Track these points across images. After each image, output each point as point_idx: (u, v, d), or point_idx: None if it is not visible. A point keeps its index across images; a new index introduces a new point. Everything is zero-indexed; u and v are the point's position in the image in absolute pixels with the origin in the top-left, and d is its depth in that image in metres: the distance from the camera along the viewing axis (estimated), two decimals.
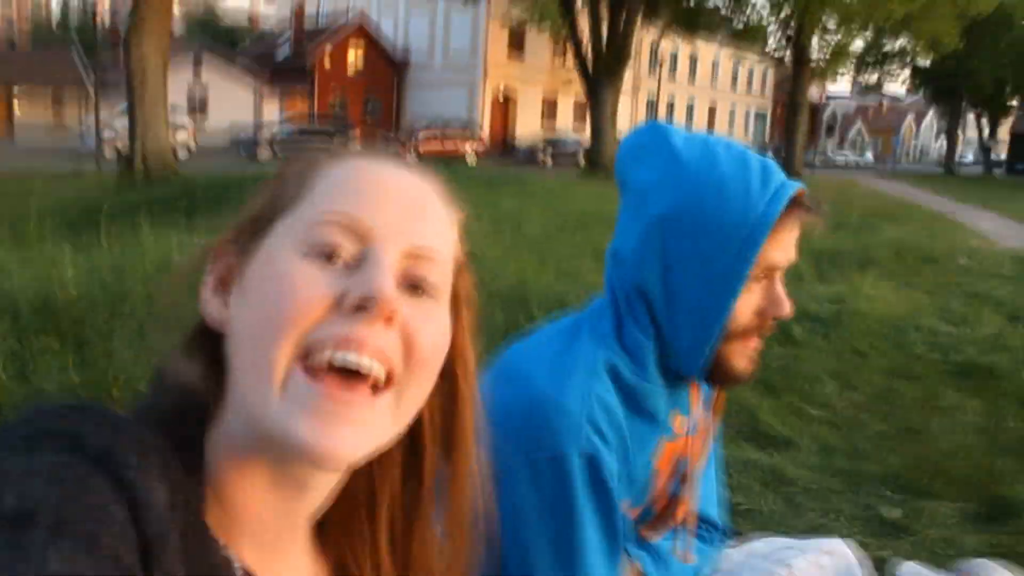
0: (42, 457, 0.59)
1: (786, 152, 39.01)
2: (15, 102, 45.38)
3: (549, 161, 40.73)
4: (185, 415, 0.74)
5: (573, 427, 1.17)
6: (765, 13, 37.50)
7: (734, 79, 67.70)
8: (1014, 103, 59.55)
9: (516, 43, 49.64)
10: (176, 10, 47.93)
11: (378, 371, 0.69)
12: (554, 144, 43.66)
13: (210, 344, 0.76)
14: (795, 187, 1.25)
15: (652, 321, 1.29)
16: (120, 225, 10.06)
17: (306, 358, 0.68)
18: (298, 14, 52.19)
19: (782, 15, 36.53)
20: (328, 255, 0.70)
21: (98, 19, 49.97)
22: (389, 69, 52.02)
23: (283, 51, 51.83)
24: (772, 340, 6.03)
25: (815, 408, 4.97)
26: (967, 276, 9.70)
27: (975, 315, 7.31)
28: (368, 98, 50.65)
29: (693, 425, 1.43)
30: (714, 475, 1.65)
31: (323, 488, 0.78)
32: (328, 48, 48.87)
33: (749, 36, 39.44)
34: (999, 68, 50.23)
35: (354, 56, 50.43)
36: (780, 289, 1.28)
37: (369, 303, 0.67)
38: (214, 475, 0.73)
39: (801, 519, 3.48)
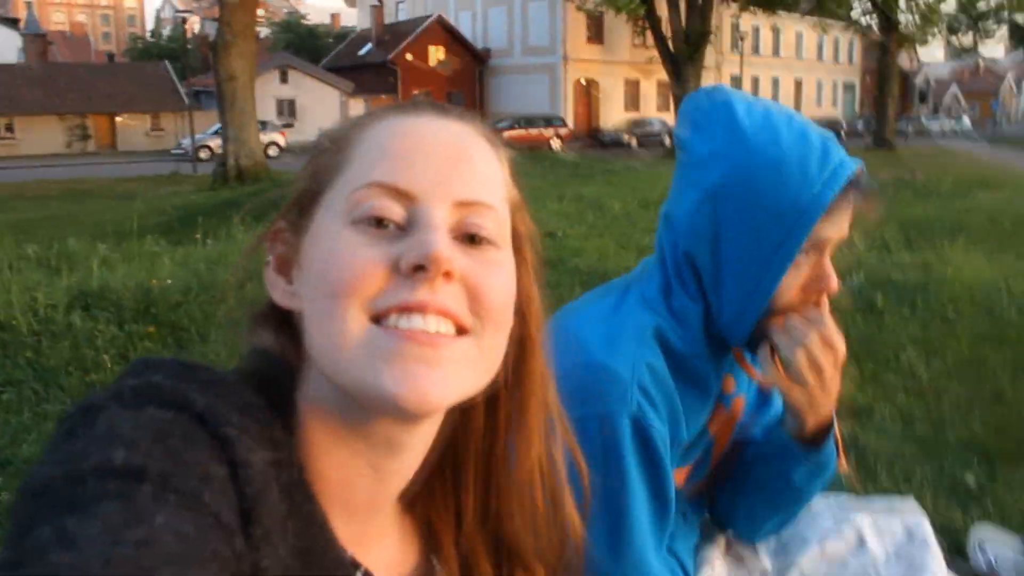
0: (150, 413, 0.61)
1: (877, 122, 37.95)
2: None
3: (635, 145, 40.40)
4: (277, 379, 0.75)
5: (622, 391, 1.20)
6: None
7: (819, 50, 65.99)
8: None
9: (595, 29, 49.34)
10: (261, 12, 48.94)
11: (446, 329, 0.69)
12: (639, 128, 43.31)
13: (283, 321, 0.77)
14: (854, 166, 1.24)
15: (699, 288, 1.30)
16: (215, 222, 10.44)
17: (378, 321, 0.68)
18: (378, 13, 52.81)
19: None
20: (378, 222, 0.70)
21: (188, 34, 51.50)
22: (470, 62, 52.28)
23: (365, 50, 52.52)
24: (855, 310, 6.03)
25: (897, 376, 4.85)
26: None
27: None
28: (451, 92, 50.96)
29: (743, 390, 1.45)
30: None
31: (413, 449, 0.77)
32: (409, 45, 49.31)
33: (833, 5, 38.32)
34: None
35: (435, 51, 50.83)
36: (828, 265, 1.27)
37: (425, 263, 0.67)
38: (304, 444, 0.73)
39: (875, 484, 3.44)
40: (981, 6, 45.25)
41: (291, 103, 46.56)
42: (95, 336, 5.24)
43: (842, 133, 43.60)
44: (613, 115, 49.73)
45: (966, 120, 67.29)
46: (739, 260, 1.25)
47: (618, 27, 47.48)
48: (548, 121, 42.40)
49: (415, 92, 48.96)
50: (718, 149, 1.26)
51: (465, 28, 52.73)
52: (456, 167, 0.74)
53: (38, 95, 43.51)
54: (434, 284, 0.68)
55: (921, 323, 5.86)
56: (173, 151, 38.88)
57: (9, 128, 46.61)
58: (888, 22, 37.23)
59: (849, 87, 70.83)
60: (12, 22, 63.73)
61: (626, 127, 44.21)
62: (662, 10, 30.47)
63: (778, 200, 1.20)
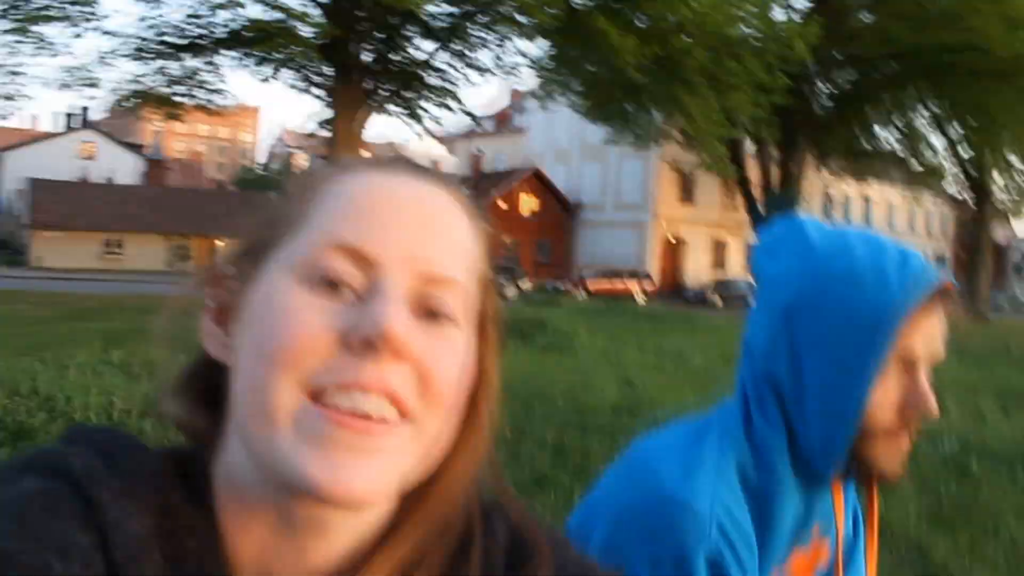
0: (21, 485, 0.60)
1: (969, 294, 37.22)
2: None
3: (719, 303, 40.27)
4: (190, 451, 0.71)
5: (700, 529, 1.10)
6: (943, 154, 36.49)
7: (911, 221, 65.73)
8: None
9: (686, 187, 50.07)
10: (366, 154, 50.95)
11: (389, 412, 0.63)
12: (724, 286, 43.28)
13: (215, 375, 0.70)
14: (938, 274, 1.16)
15: (783, 415, 1.20)
16: None
17: (314, 398, 0.62)
18: (475, 160, 54.55)
19: (961, 155, 35.51)
20: (333, 285, 0.64)
21: (295, 168, 53.86)
22: (561, 213, 53.34)
23: None
24: (948, 475, 5.79)
25: (995, 548, 4.59)
26: None
27: None
28: (540, 241, 51.90)
29: (834, 532, 1.31)
30: None
31: (339, 532, 0.68)
32: (504, 193, 50.63)
33: (926, 178, 38.28)
34: None
35: (527, 200, 52.05)
36: (924, 383, 1.17)
37: (377, 341, 0.61)
38: (218, 516, 0.67)
39: None
40: None
41: None
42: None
43: None
44: (699, 273, 49.86)
45: None
46: (821, 377, 1.15)
47: (709, 187, 48.12)
48: (633, 274, 42.68)
49: (504, 238, 49.99)
50: (790, 266, 1.21)
51: (560, 181, 53.99)
52: (427, 236, 0.67)
53: (148, 215, 45.90)
54: (382, 363, 0.62)
55: (1023, 493, 5.54)
56: None
57: (119, 244, 49.14)
58: (982, 195, 36.98)
59: (940, 259, 69.96)
60: (136, 147, 67.67)
61: (711, 285, 44.17)
62: (754, 174, 30.83)
63: (855, 309, 1.13)
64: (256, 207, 0.75)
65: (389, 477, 0.63)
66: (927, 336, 1.16)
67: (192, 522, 0.64)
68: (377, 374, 0.61)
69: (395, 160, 0.73)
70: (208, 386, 0.71)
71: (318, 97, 21.36)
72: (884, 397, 1.15)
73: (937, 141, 36.11)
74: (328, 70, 20.37)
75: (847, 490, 1.35)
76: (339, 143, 20.91)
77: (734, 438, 1.21)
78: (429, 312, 0.66)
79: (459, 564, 0.71)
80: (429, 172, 0.73)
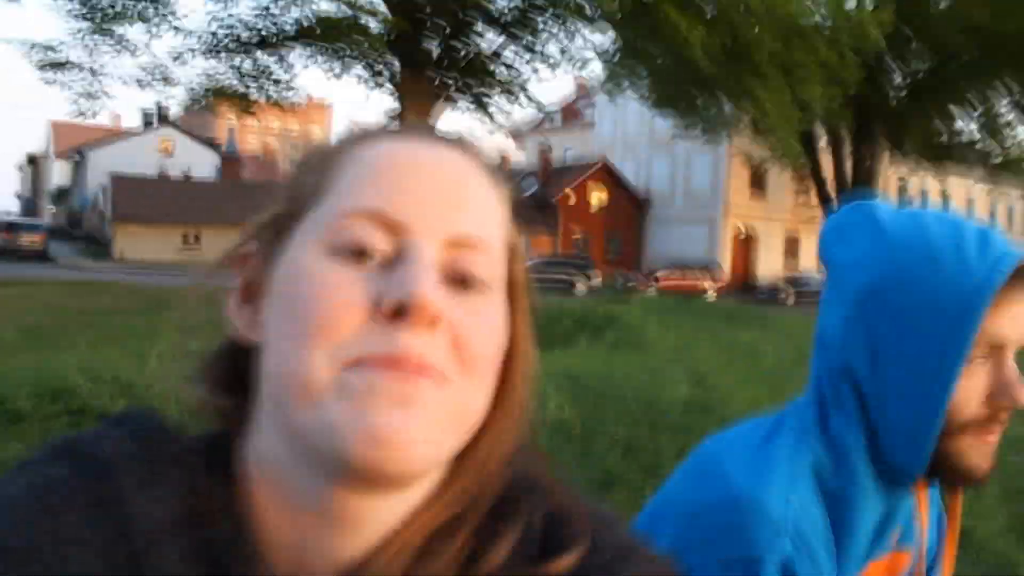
0: (48, 473, 0.61)
1: None
2: None
3: (791, 299, 39.67)
4: (221, 435, 0.70)
5: (773, 531, 1.04)
6: None
7: (991, 216, 63.93)
8: None
9: (757, 181, 49.38)
10: None
11: (425, 384, 0.61)
12: (796, 282, 42.57)
13: (240, 358, 0.70)
14: (1020, 252, 1.08)
15: (862, 410, 1.13)
16: None
17: (347, 370, 0.60)
18: (544, 154, 54.51)
19: None
20: (360, 253, 0.63)
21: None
22: (631, 207, 53.04)
23: (530, 189, 54.14)
24: None
25: None
26: None
27: None
28: (610, 235, 51.69)
29: (916, 539, 1.23)
30: None
31: (376, 522, 0.65)
32: (573, 187, 50.52)
33: (1008, 168, 37.15)
34: None
35: (597, 195, 51.86)
36: (1013, 370, 1.09)
37: (408, 308, 0.60)
38: (247, 504, 0.66)
39: None
40: None
41: None
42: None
43: None
44: (771, 267, 49.16)
45: None
46: (903, 368, 1.08)
47: (781, 181, 47.37)
48: (704, 269, 42.30)
49: (574, 232, 49.89)
50: (864, 253, 1.14)
51: (629, 174, 53.68)
52: (455, 197, 0.67)
53: (224, 209, 46.75)
54: (415, 331, 0.60)
55: None
56: None
57: (196, 238, 50.14)
58: None
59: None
60: (211, 143, 69.17)
61: (783, 280, 43.52)
62: (827, 167, 30.24)
63: (936, 294, 1.06)
64: (278, 182, 0.76)
65: (433, 433, 0.61)
66: (1014, 318, 1.09)
67: (223, 506, 0.64)
68: (411, 342, 0.60)
69: (413, 127, 0.73)
70: (234, 370, 0.71)
71: (387, 91, 21.54)
72: (971, 387, 1.08)
73: (1021, 130, 35.03)
74: (396, 63, 20.50)
75: (931, 494, 1.27)
76: None
77: (809, 437, 1.15)
78: (460, 277, 0.65)
79: (487, 543, 0.68)
80: (448, 137, 0.72)
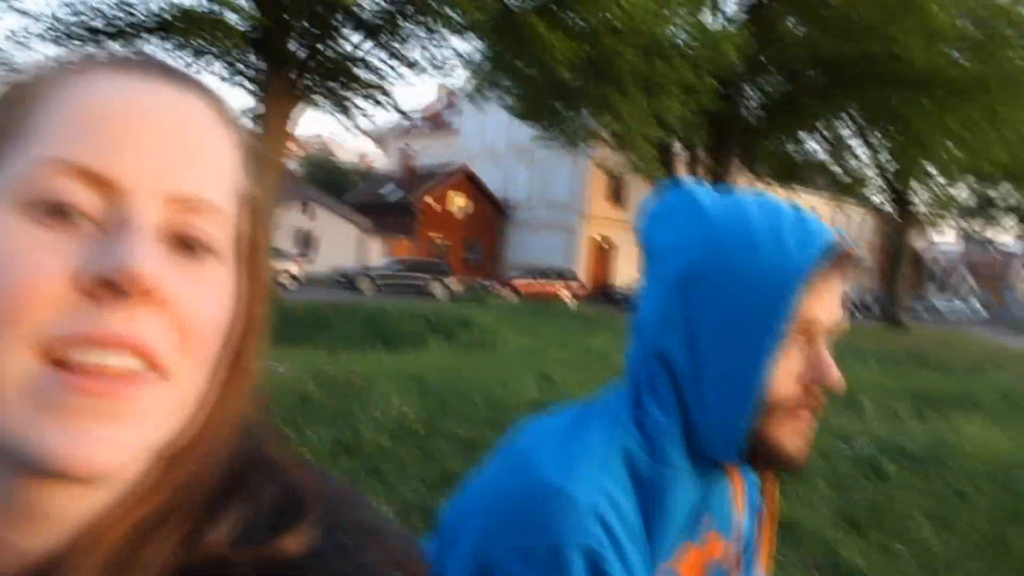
0: None
1: (888, 300, 38.27)
2: None
3: None
4: None
5: (577, 520, 1.00)
6: (866, 164, 37.47)
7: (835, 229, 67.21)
8: None
9: (615, 190, 50.39)
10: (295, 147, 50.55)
11: (139, 367, 0.53)
12: None
13: None
14: (834, 235, 1.10)
15: (677, 396, 1.10)
16: None
17: (49, 358, 0.51)
18: (407, 160, 54.28)
19: (884, 165, 36.46)
20: (61, 214, 0.53)
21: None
22: (492, 214, 53.30)
23: (390, 193, 53.77)
24: (862, 476, 5.80)
25: (906, 547, 4.58)
26: None
27: None
28: (471, 241, 51.80)
29: (731, 524, 1.22)
30: None
31: (62, 516, 0.56)
32: (431, 190, 50.44)
33: (850, 187, 39.26)
34: None
35: (458, 200, 51.90)
36: (825, 353, 1.09)
37: (120, 279, 0.51)
38: None
39: None
40: (995, 198, 46.21)
41: (309, 235, 47.26)
42: None
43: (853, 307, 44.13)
44: (629, 275, 50.23)
45: (976, 303, 68.13)
46: (719, 351, 1.06)
47: (639, 191, 48.49)
48: (561, 275, 42.86)
49: (434, 237, 49.82)
50: (683, 235, 1.12)
51: (492, 180, 53.93)
52: (179, 153, 0.57)
53: None
54: (129, 309, 0.52)
55: (934, 495, 5.58)
56: None
57: None
58: (902, 205, 37.98)
59: (866, 266, 71.71)
60: None
61: (640, 288, 44.62)
62: (684, 178, 31.08)
63: (753, 275, 1.05)
64: None
65: (140, 443, 0.54)
66: (828, 303, 1.08)
67: None
68: (123, 323, 0.52)
69: (137, 59, 0.61)
70: None
71: (248, 90, 21.03)
72: (786, 369, 1.07)
73: (861, 151, 37.09)
74: (258, 61, 20.01)
75: (747, 479, 1.26)
76: (269, 137, 20.58)
77: (622, 423, 1.11)
78: (184, 244, 0.57)
79: (208, 525, 0.60)
80: (180, 74, 0.61)
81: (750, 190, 1.19)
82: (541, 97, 26.98)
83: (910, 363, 16.00)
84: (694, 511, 1.13)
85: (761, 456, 1.10)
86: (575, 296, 40.23)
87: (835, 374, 1.08)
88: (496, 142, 54.47)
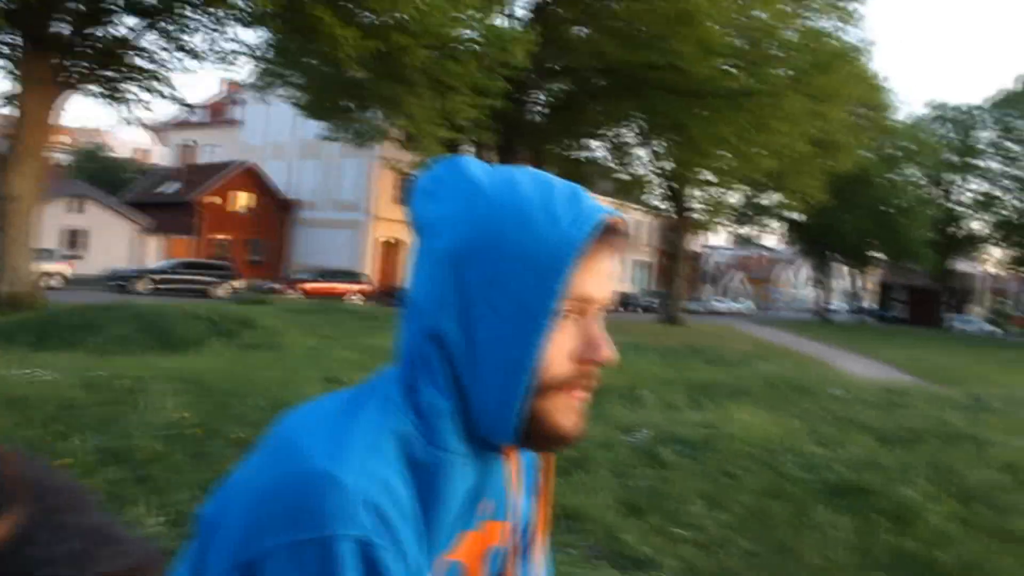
0: None
1: (667, 300, 40.22)
2: None
3: None
4: None
5: (347, 509, 0.94)
6: (647, 166, 39.26)
7: None
8: (877, 255, 63.24)
9: (405, 188, 50.44)
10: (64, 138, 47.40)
11: None
12: None
13: None
14: (606, 211, 1.07)
15: (452, 377, 1.06)
16: None
17: None
18: (186, 153, 52.13)
19: (663, 169, 38.30)
20: None
21: None
22: (277, 212, 52.08)
23: (170, 190, 51.48)
24: (642, 463, 6.01)
25: (682, 529, 4.76)
26: (838, 403, 9.91)
27: (846, 438, 7.36)
28: (255, 239, 50.37)
29: (509, 508, 1.18)
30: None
31: None
32: (214, 187, 48.72)
33: (632, 188, 41.04)
34: (861, 222, 53.54)
35: (241, 197, 50.39)
36: (598, 329, 1.07)
37: None
38: None
39: None
40: (763, 203, 49.55)
41: (81, 233, 44.55)
42: None
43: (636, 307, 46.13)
44: None
45: (749, 303, 73.05)
46: (492, 328, 1.03)
47: None
48: (348, 275, 42.48)
49: (216, 235, 48.10)
50: (455, 209, 1.08)
51: (277, 177, 52.69)
52: None
53: None
54: None
55: (706, 477, 5.87)
56: None
57: None
58: (680, 207, 40.04)
59: (644, 264, 74.99)
60: None
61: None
62: None
63: (525, 250, 1.02)
64: None
65: None
66: (600, 277, 1.06)
67: None
68: None
69: None
70: None
71: (5, 70, 19.59)
72: (559, 345, 1.04)
73: (643, 154, 38.83)
74: (17, 40, 18.64)
75: (524, 460, 1.23)
76: (27, 123, 19.18)
77: (395, 406, 1.05)
78: None
79: None
80: None
81: (523, 166, 1.15)
82: (330, 93, 26.60)
83: (687, 357, 16.83)
84: (472, 496, 1.09)
85: (537, 435, 1.07)
86: (363, 296, 39.97)
87: (608, 350, 1.07)
88: (281, 138, 53.34)
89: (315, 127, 33.88)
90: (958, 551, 4.58)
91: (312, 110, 29.31)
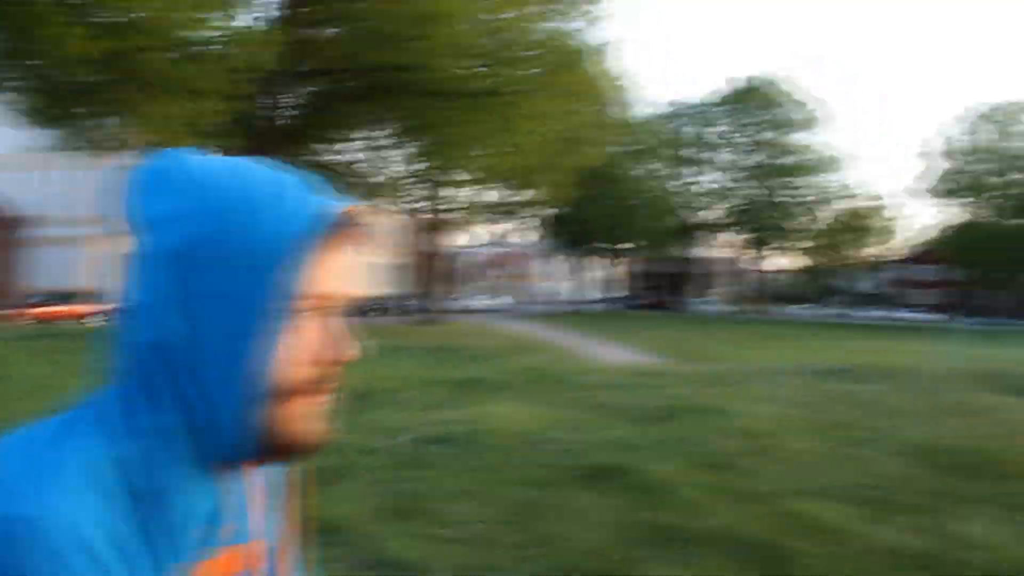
0: None
1: (425, 299, 40.65)
2: None
3: None
4: None
5: (54, 552, 0.82)
6: (402, 167, 39.54)
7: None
8: (628, 245, 67.14)
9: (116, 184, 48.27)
10: None
11: None
12: None
13: None
14: (341, 201, 0.99)
15: (178, 392, 0.93)
16: None
17: None
18: None
19: (418, 170, 38.66)
20: None
21: None
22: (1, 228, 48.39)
23: None
24: (400, 464, 5.93)
25: (448, 529, 4.74)
26: (591, 391, 10.31)
27: (602, 422, 7.62)
28: None
29: (250, 530, 1.06)
30: None
31: None
32: None
33: (387, 189, 41.17)
34: (610, 214, 56.70)
35: None
36: (337, 326, 0.98)
37: None
38: None
39: None
40: (517, 200, 51.12)
41: None
42: None
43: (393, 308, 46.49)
44: None
45: (507, 298, 75.19)
46: (220, 332, 0.92)
47: None
48: (88, 296, 40.14)
49: None
50: (177, 204, 0.97)
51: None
52: None
53: None
54: None
55: (470, 473, 5.91)
56: None
57: None
58: (436, 208, 40.51)
59: (402, 266, 75.33)
60: None
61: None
62: None
63: (247, 245, 0.93)
64: None
65: None
66: (337, 271, 0.98)
67: None
68: None
69: None
70: None
71: None
72: (296, 346, 0.94)
73: (397, 155, 38.98)
74: None
75: (266, 475, 1.13)
76: None
77: (111, 428, 0.92)
78: None
79: None
80: None
81: (251, 158, 1.05)
82: (59, 98, 24.85)
83: (446, 356, 17.02)
84: (207, 522, 0.98)
85: (277, 447, 0.97)
86: (104, 314, 37.88)
87: (349, 347, 0.99)
88: (3, 147, 49.57)
89: (43, 135, 31.68)
90: (711, 518, 4.82)
91: (38, 117, 27.28)
